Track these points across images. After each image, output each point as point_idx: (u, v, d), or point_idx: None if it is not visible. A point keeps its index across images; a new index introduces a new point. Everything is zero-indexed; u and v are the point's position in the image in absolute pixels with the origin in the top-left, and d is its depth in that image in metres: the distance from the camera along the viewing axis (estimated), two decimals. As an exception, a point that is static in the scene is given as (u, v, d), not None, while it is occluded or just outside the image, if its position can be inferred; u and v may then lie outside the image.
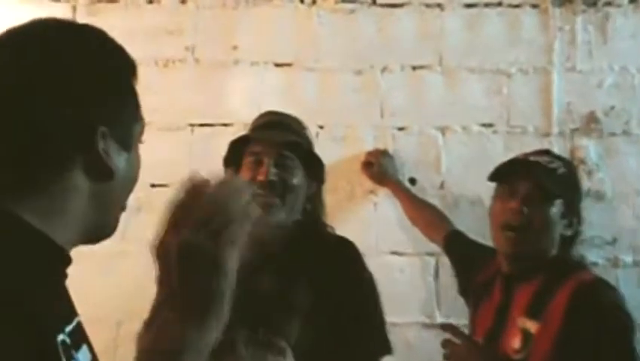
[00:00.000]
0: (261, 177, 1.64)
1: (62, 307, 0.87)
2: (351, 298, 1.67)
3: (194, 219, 0.90)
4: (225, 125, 2.50)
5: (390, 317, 2.21)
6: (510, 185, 1.73)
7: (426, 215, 2.35)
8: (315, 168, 1.73)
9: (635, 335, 1.57)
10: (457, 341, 1.64)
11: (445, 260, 2.31)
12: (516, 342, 1.65)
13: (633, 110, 2.43)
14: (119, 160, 0.90)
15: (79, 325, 0.89)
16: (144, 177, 1.01)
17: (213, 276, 0.90)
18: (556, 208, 1.68)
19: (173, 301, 0.90)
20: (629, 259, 2.43)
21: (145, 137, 1.00)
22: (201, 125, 2.51)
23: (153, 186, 2.47)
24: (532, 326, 1.62)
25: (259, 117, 1.80)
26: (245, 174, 1.67)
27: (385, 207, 2.49)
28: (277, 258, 1.66)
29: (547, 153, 1.86)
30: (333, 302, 1.63)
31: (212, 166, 2.48)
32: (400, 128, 2.50)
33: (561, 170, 1.72)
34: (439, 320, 2.46)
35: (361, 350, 1.66)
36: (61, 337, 0.81)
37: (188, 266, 0.89)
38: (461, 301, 2.13)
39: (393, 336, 2.41)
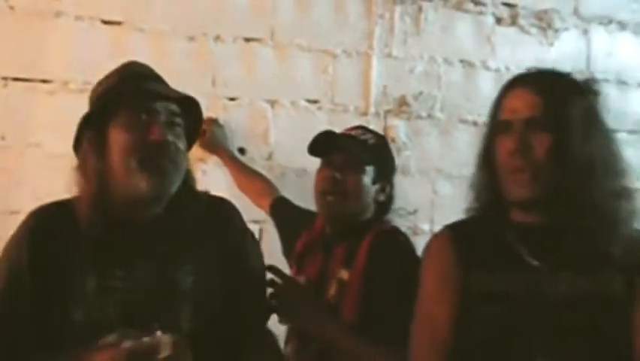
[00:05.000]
0: (154, 137, 1.25)
1: None
2: (236, 263, 1.37)
3: None
4: (44, 81, 2.05)
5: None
6: (326, 157, 1.71)
7: (254, 182, 2.20)
8: (193, 133, 1.37)
9: (416, 267, 1.56)
10: (279, 280, 1.57)
11: (269, 227, 2.14)
12: (333, 290, 1.65)
13: (438, 97, 2.45)
14: None
15: None
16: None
17: None
18: (367, 175, 1.67)
19: None
20: (426, 227, 2.46)
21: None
22: (16, 79, 2.03)
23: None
24: (344, 274, 1.62)
25: (124, 68, 1.36)
26: (128, 135, 1.25)
27: (214, 175, 2.24)
28: (155, 240, 1.30)
29: (361, 128, 1.82)
30: (220, 271, 1.33)
31: (28, 123, 2.04)
32: (231, 99, 2.25)
33: (372, 141, 1.71)
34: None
35: (253, 320, 1.40)
36: None
37: None
38: (283, 264, 1.97)
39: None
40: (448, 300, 1.29)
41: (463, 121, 2.49)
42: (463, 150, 2.48)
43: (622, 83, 2.65)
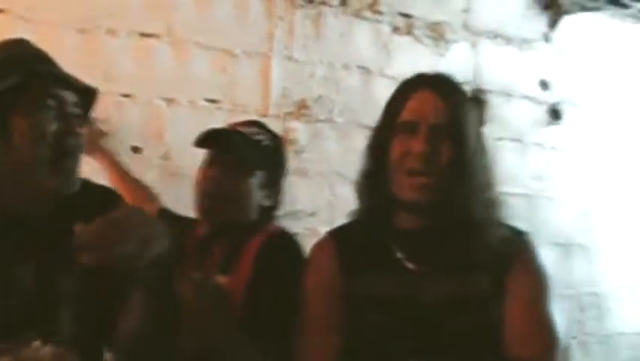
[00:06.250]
0: (69, 130, 1.13)
1: None
2: None
3: None
4: None
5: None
6: (213, 153, 1.54)
7: (137, 189, 1.98)
8: (86, 116, 1.21)
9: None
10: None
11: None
12: None
13: (337, 101, 2.42)
14: None
15: None
16: None
17: None
18: (255, 179, 1.52)
19: None
20: (325, 229, 2.40)
21: None
22: None
23: None
24: (222, 279, 1.44)
25: (14, 46, 1.20)
26: (36, 124, 1.10)
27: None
28: (35, 239, 1.15)
29: (256, 124, 1.68)
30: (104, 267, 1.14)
31: None
32: (125, 95, 2.11)
33: (266, 143, 1.56)
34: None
35: None
36: None
37: None
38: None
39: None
40: (329, 309, 1.27)
41: (361, 126, 2.48)
42: (360, 154, 2.47)
43: (506, 94, 2.75)
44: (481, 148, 1.27)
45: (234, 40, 2.26)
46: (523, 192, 2.82)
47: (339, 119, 2.44)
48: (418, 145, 1.21)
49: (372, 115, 2.45)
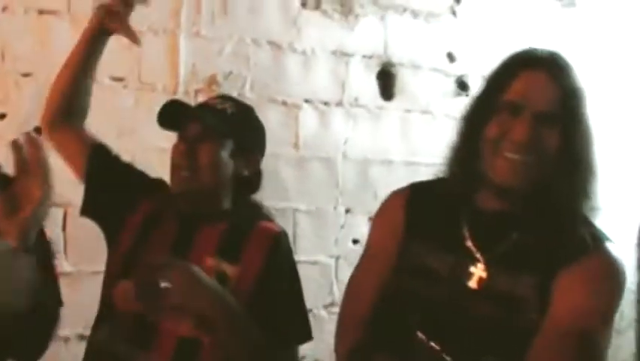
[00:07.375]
0: None
1: None
2: None
3: None
4: None
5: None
6: (182, 130, 1.51)
7: (81, 97, 1.81)
8: None
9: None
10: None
11: (74, 211, 1.93)
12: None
13: (247, 77, 2.40)
14: None
15: None
16: None
17: None
18: (225, 148, 1.48)
19: None
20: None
21: None
22: None
23: None
24: (227, 267, 1.44)
25: None
26: None
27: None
28: None
29: (221, 96, 1.67)
30: None
31: None
32: (25, 75, 2.02)
33: (231, 110, 1.52)
34: (68, 269, 2.12)
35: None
36: None
37: None
38: (91, 249, 1.80)
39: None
40: (390, 258, 1.25)
41: (273, 100, 2.48)
42: (273, 129, 2.46)
43: (415, 67, 2.80)
44: (589, 139, 1.15)
45: (139, 16, 2.18)
46: (434, 162, 2.90)
47: (251, 95, 2.42)
48: (519, 132, 1.11)
49: (284, 90, 2.48)
